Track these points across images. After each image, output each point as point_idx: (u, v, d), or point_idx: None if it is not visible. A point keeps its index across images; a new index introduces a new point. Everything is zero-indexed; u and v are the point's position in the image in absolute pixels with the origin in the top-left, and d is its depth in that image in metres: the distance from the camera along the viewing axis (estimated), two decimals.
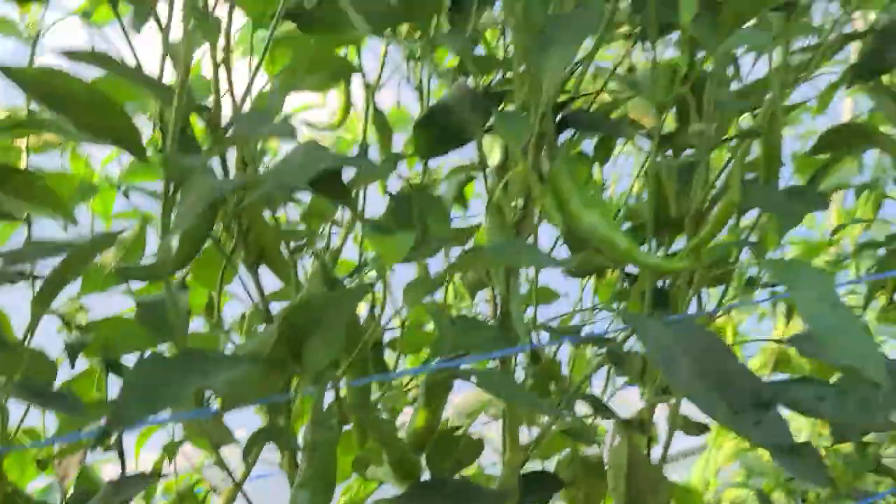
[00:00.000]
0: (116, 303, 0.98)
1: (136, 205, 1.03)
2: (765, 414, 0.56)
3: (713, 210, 0.76)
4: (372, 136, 0.98)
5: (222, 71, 0.73)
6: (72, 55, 0.59)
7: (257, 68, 0.65)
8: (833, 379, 0.63)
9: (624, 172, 1.26)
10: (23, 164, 0.85)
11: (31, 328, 0.61)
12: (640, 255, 0.63)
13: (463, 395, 0.83)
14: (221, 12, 0.72)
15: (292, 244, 0.72)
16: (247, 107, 0.69)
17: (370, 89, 0.98)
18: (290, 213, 0.84)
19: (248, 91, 0.66)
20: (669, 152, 0.77)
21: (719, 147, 0.74)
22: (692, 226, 0.75)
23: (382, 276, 0.52)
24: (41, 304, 0.58)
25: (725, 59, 0.70)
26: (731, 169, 0.72)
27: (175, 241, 0.49)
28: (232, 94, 0.68)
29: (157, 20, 0.65)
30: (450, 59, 1.06)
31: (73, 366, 0.74)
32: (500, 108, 0.74)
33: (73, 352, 0.74)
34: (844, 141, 0.83)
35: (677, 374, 0.60)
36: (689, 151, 0.77)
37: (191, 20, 0.65)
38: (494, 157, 0.71)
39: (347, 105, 0.97)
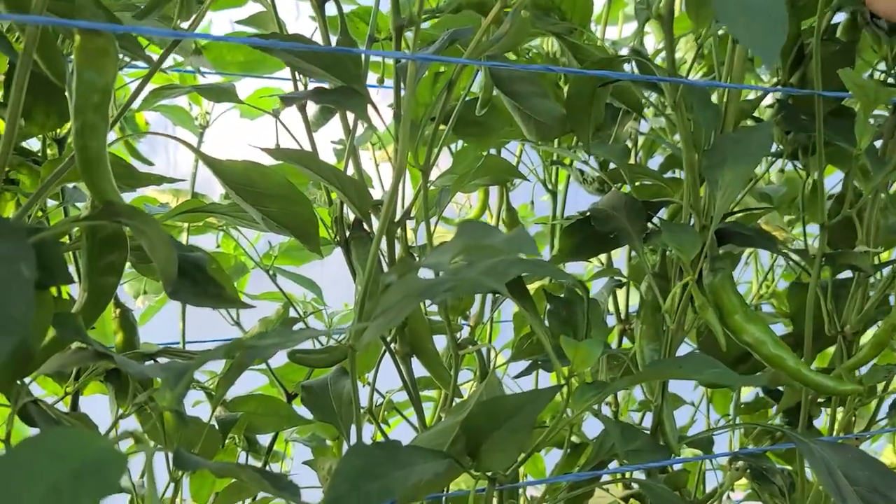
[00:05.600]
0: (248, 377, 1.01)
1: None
2: None
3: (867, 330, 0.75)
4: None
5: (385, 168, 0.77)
6: (273, 152, 0.63)
7: (429, 168, 0.69)
8: None
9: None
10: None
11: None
12: (809, 375, 0.62)
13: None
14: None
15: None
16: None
17: (505, 188, 1.01)
18: None
19: (419, 191, 0.69)
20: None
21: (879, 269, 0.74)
22: (847, 345, 0.74)
23: (568, 382, 0.53)
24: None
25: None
26: (894, 290, 0.71)
27: (374, 330, 0.51)
28: (403, 191, 0.72)
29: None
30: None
31: (223, 443, 0.76)
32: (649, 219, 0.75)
33: (224, 428, 0.76)
34: None
35: (849, 499, 0.59)
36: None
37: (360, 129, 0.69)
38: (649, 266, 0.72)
39: (486, 201, 1.00)
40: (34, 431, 0.93)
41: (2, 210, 0.73)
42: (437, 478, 0.50)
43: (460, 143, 0.93)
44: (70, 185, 0.71)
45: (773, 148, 0.83)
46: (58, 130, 0.73)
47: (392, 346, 0.73)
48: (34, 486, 0.32)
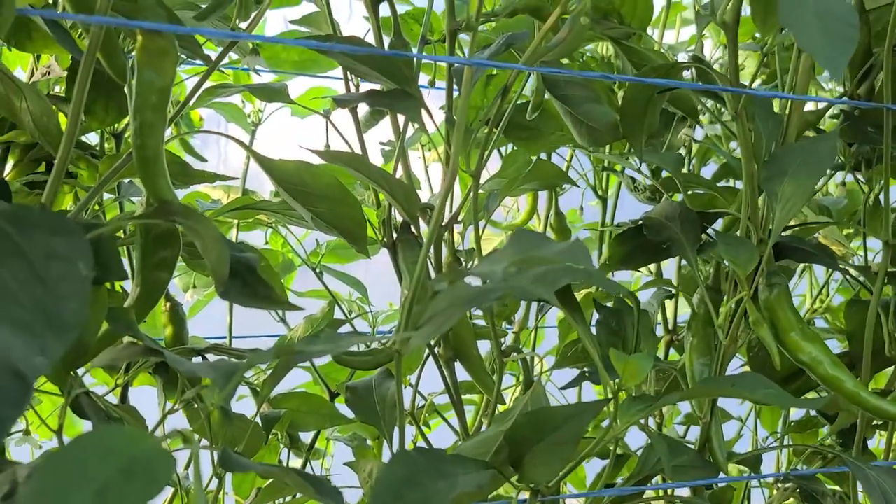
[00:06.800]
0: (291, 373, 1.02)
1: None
2: None
3: None
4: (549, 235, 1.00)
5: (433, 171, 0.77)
6: (323, 154, 0.63)
7: (479, 173, 0.68)
8: None
9: None
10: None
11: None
12: (868, 398, 0.60)
13: None
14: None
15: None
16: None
17: (554, 193, 1.00)
18: None
19: (467, 195, 0.69)
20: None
21: None
22: None
23: (615, 394, 0.52)
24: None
25: None
26: None
27: (420, 338, 0.50)
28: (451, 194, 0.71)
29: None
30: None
31: (266, 439, 0.76)
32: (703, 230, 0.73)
33: (268, 424, 0.77)
34: None
35: None
36: None
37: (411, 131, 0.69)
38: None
39: (534, 205, 0.99)
40: (85, 423, 0.95)
41: (60, 202, 0.74)
42: (479, 489, 0.50)
43: (509, 145, 0.92)
44: (126, 181, 0.72)
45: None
46: (116, 126, 0.74)
47: (436, 350, 0.73)
48: (84, 485, 0.32)
